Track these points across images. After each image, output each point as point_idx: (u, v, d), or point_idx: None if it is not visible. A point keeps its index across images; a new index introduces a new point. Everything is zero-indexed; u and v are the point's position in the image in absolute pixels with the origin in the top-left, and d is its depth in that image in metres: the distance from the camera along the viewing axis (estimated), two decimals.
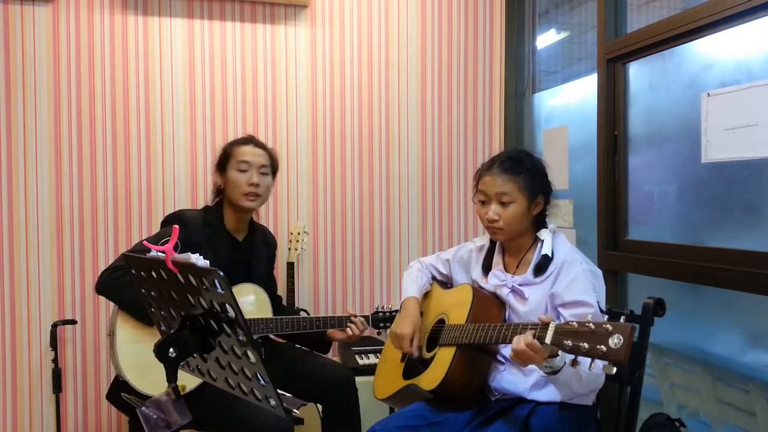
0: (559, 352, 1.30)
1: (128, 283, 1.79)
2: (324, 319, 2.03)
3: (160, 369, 1.75)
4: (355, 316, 2.05)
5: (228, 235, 2.02)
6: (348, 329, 2.02)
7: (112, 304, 1.88)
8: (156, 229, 2.57)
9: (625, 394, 1.66)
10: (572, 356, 1.22)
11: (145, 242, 1.79)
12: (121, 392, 1.78)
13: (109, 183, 2.55)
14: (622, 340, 1.14)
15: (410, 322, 1.75)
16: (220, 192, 2.05)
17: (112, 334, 1.82)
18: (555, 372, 1.35)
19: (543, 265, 1.60)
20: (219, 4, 2.64)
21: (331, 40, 2.77)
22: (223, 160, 2.03)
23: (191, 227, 1.91)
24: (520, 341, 1.31)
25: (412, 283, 1.87)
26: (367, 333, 2.10)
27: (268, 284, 2.12)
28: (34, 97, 2.46)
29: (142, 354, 1.80)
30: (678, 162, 1.91)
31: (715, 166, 1.74)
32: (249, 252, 2.07)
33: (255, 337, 1.95)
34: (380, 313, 2.12)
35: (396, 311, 2.09)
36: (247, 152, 2.01)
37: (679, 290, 1.89)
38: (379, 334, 2.14)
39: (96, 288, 1.87)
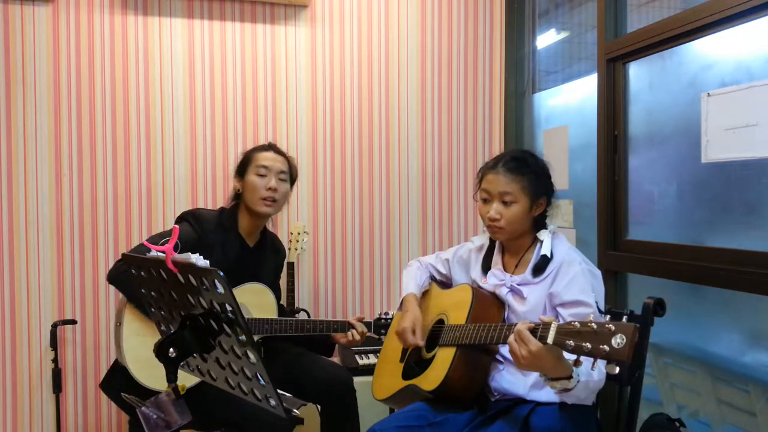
0: (573, 374, 1.31)
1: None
2: (327, 324, 2.04)
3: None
4: (360, 320, 2.08)
5: (240, 238, 2.04)
6: (349, 334, 2.05)
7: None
8: (156, 229, 2.57)
9: (625, 394, 1.67)
10: (574, 356, 1.21)
11: (145, 242, 1.79)
12: (119, 388, 1.78)
13: (109, 183, 2.54)
14: (625, 340, 1.14)
15: (409, 317, 1.77)
16: (237, 196, 2.07)
17: (119, 325, 1.84)
18: (568, 390, 1.35)
19: (541, 265, 1.60)
20: (219, 4, 2.64)
21: (331, 40, 2.76)
22: (243, 165, 2.07)
23: (206, 226, 1.94)
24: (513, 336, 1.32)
25: (411, 280, 1.89)
26: (368, 335, 2.11)
27: (274, 291, 2.13)
28: (34, 97, 2.46)
29: (145, 347, 1.81)
30: (678, 162, 1.91)
31: (715, 166, 1.74)
32: (258, 258, 2.09)
33: (257, 337, 1.96)
34: (383, 320, 2.15)
35: None
36: (268, 158, 2.05)
37: (679, 290, 1.89)
38: (379, 339, 2.16)
39: (108, 277, 1.89)
